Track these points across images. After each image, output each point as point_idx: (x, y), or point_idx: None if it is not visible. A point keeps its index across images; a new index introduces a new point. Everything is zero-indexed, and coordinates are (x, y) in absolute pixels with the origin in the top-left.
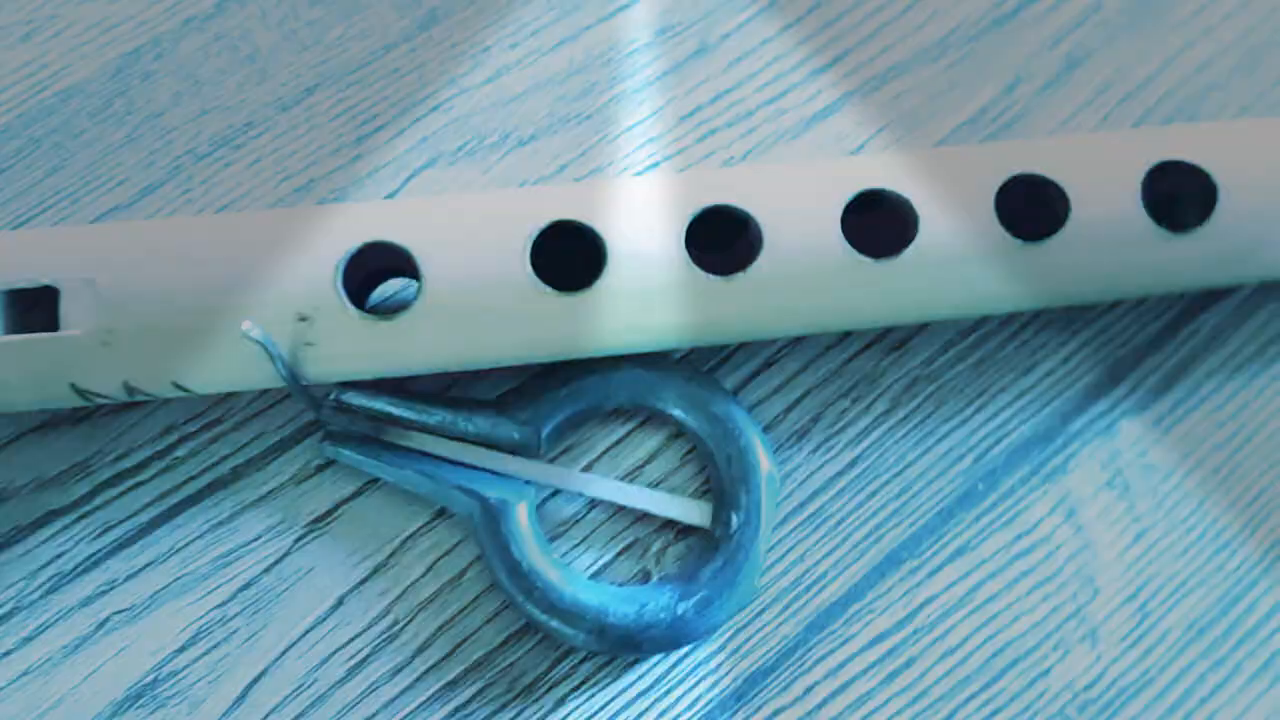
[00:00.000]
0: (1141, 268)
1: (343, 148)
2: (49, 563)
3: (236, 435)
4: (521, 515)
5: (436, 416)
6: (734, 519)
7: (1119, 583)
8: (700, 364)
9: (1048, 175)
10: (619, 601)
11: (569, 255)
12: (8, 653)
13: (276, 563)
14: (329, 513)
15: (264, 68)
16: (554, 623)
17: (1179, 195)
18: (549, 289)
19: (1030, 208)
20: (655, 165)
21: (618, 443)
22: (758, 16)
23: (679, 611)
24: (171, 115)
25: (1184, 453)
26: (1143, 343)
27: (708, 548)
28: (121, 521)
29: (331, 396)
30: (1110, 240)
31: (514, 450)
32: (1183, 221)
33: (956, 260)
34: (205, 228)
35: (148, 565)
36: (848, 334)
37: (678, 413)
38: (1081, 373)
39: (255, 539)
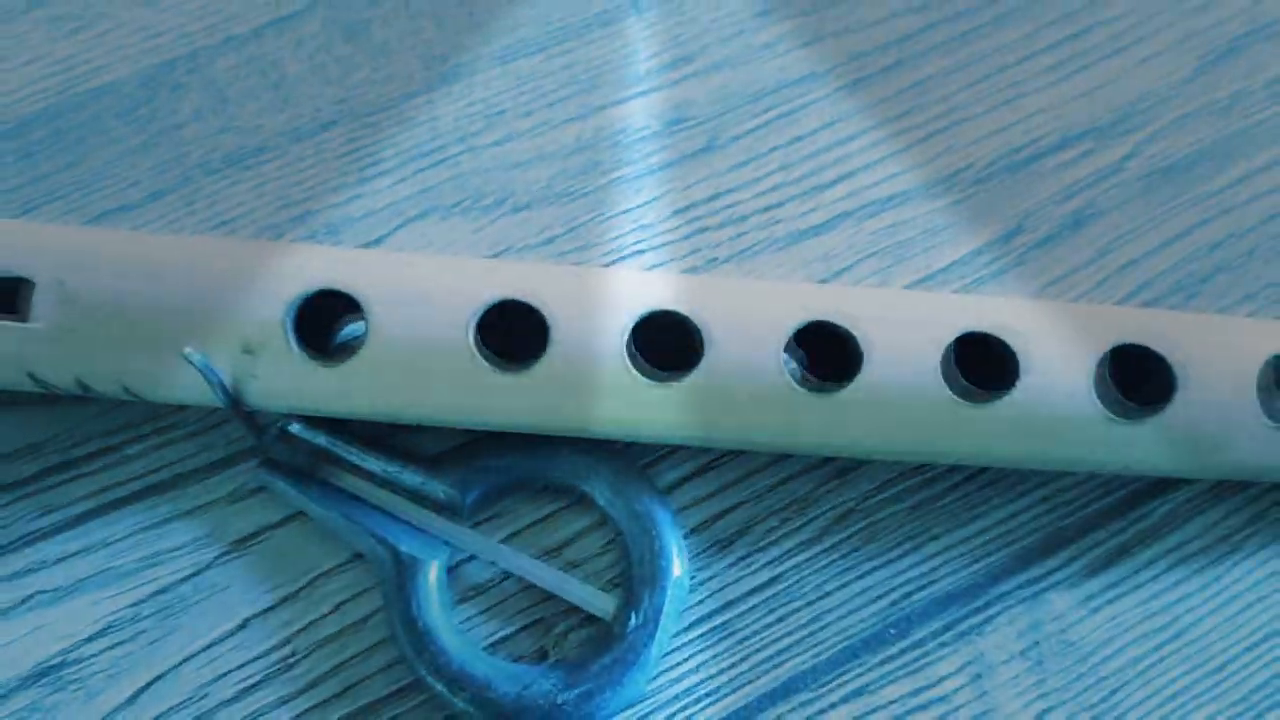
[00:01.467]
0: (1083, 445)
1: (344, 186)
2: None
3: (185, 445)
4: (431, 574)
5: (370, 463)
6: (633, 618)
7: None
8: (639, 456)
9: (1003, 337)
10: (504, 678)
11: (529, 332)
12: None
13: (195, 574)
14: (253, 535)
15: (287, 96)
16: (438, 685)
17: (1146, 381)
18: (488, 363)
19: (985, 366)
20: (640, 254)
21: (544, 519)
22: (771, 124)
23: (559, 700)
24: (191, 129)
25: (1108, 638)
26: (1088, 517)
27: (604, 641)
28: (62, 507)
29: (276, 425)
30: (1055, 413)
31: (439, 509)
32: (1142, 406)
33: (898, 406)
34: (178, 248)
35: (78, 553)
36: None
37: (603, 501)
38: (1019, 536)
39: (180, 548)
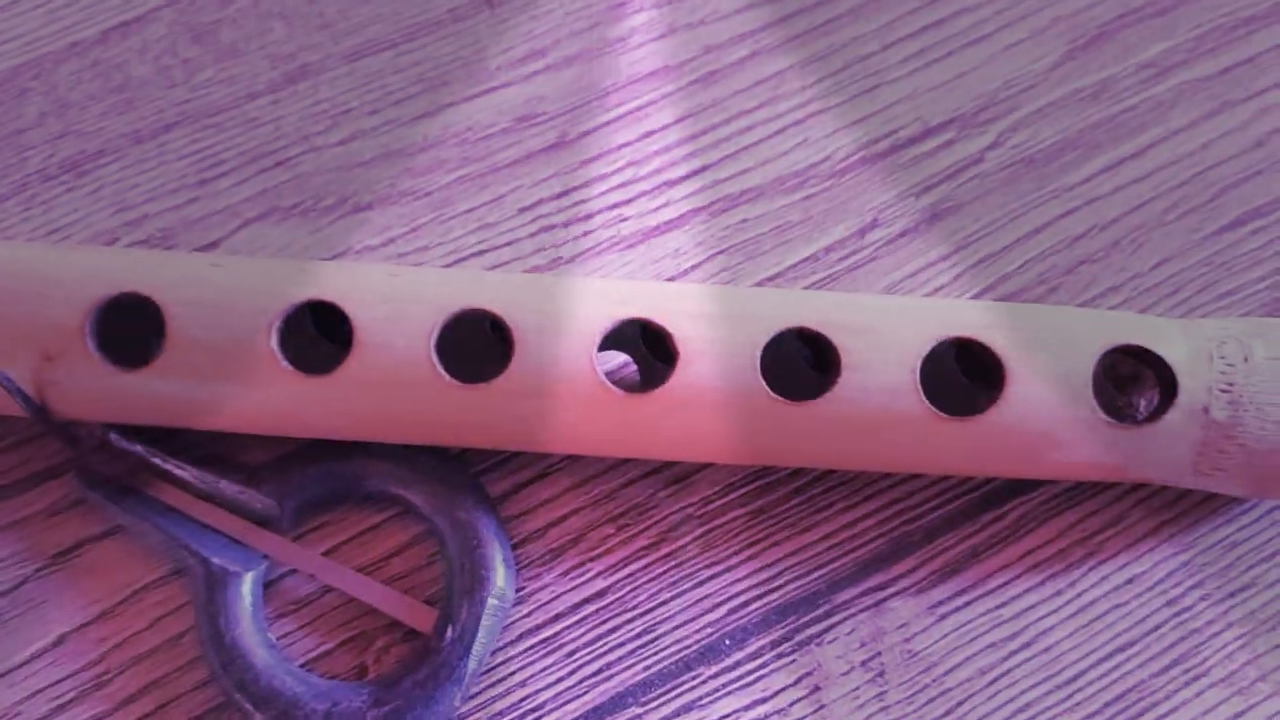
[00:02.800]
0: (910, 445)
1: (183, 188)
2: None
3: (4, 457)
4: (243, 587)
5: (188, 473)
6: (449, 631)
7: None
8: (470, 463)
9: (825, 333)
10: (312, 695)
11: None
12: None
13: (13, 589)
14: (72, 549)
15: (131, 99)
16: (245, 703)
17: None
18: (290, 366)
19: (816, 365)
20: (483, 254)
21: (369, 530)
22: (622, 120)
23: (368, 717)
24: (32, 134)
25: (953, 646)
26: (937, 522)
27: (421, 656)
28: None
29: (95, 435)
30: (877, 412)
31: (259, 521)
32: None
33: (717, 406)
34: None
35: None
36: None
37: (426, 510)
38: (863, 541)
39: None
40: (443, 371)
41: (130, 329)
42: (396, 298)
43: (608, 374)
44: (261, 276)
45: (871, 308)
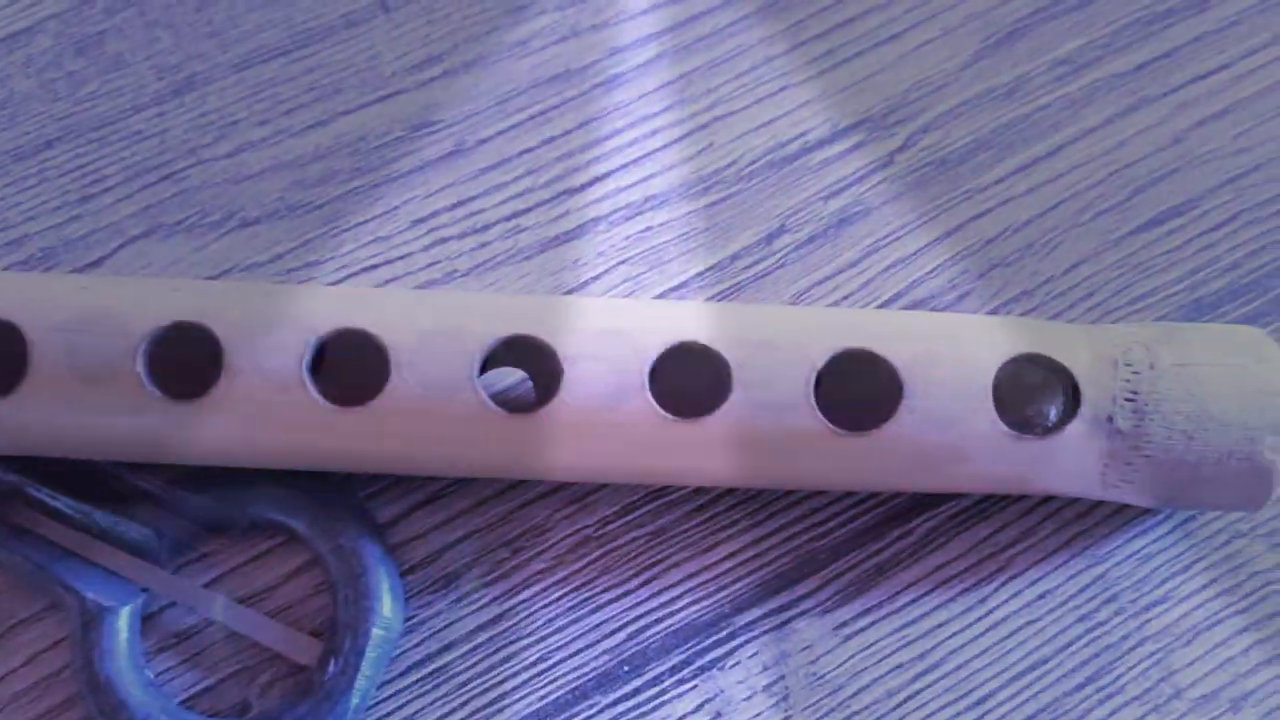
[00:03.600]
0: (808, 461)
1: (65, 205)
2: None
3: None
4: (119, 622)
5: (61, 503)
6: (332, 664)
7: None
8: (358, 487)
9: (714, 346)
10: None
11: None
12: None
13: None
14: None
15: (13, 114)
16: None
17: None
18: (155, 390)
19: (705, 381)
20: (375, 269)
21: (255, 559)
22: (522, 125)
23: None
24: None
25: (860, 668)
26: (843, 539)
27: (304, 690)
28: None
29: None
30: (773, 428)
31: (136, 552)
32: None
33: (602, 425)
34: None
35: None
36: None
37: (307, 538)
38: (767, 560)
39: None
40: (316, 394)
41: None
42: (268, 317)
43: (501, 392)
44: (131, 298)
45: (768, 320)
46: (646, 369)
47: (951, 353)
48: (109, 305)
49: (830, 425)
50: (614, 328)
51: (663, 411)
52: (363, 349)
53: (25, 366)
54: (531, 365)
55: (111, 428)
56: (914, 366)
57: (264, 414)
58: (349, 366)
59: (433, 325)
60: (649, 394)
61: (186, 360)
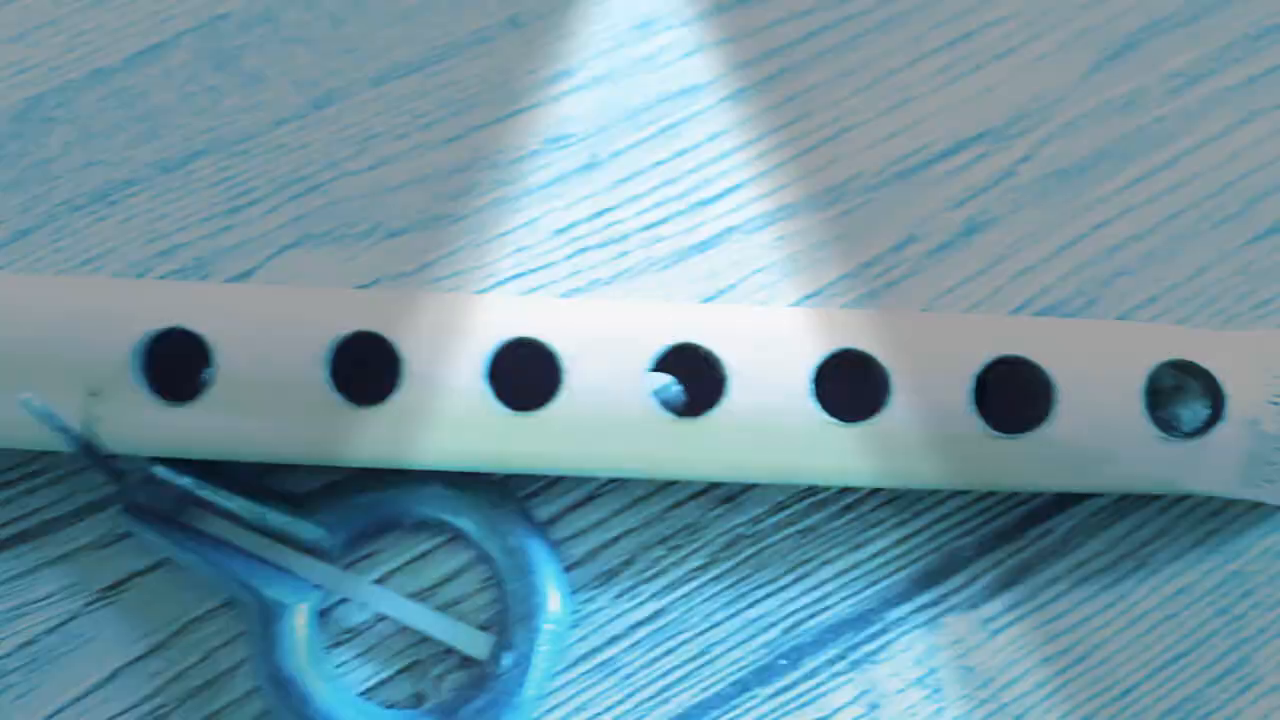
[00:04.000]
0: (964, 463)
1: (214, 216)
2: None
3: (51, 490)
4: (299, 619)
5: (236, 504)
6: (506, 658)
7: None
8: (517, 488)
9: (874, 354)
10: None
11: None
12: None
13: (62, 624)
14: (121, 583)
15: (155, 127)
16: None
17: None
18: (341, 398)
19: (865, 384)
20: (519, 277)
21: (419, 558)
22: (653, 139)
23: None
24: (59, 164)
25: (1009, 661)
26: (986, 537)
27: (478, 683)
28: None
29: (139, 469)
30: (929, 434)
31: (309, 551)
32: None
33: (767, 429)
34: (19, 287)
35: None
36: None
37: (476, 537)
38: (914, 558)
39: (47, 597)
40: (494, 399)
41: (178, 358)
42: (444, 326)
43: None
44: (308, 306)
45: (917, 327)
46: (810, 375)
47: (1103, 358)
48: (291, 313)
49: (989, 428)
50: (774, 335)
51: (827, 415)
52: (529, 355)
53: (205, 371)
54: (682, 369)
55: (293, 432)
56: (1067, 371)
57: (442, 419)
58: (515, 373)
59: (601, 333)
60: (814, 399)
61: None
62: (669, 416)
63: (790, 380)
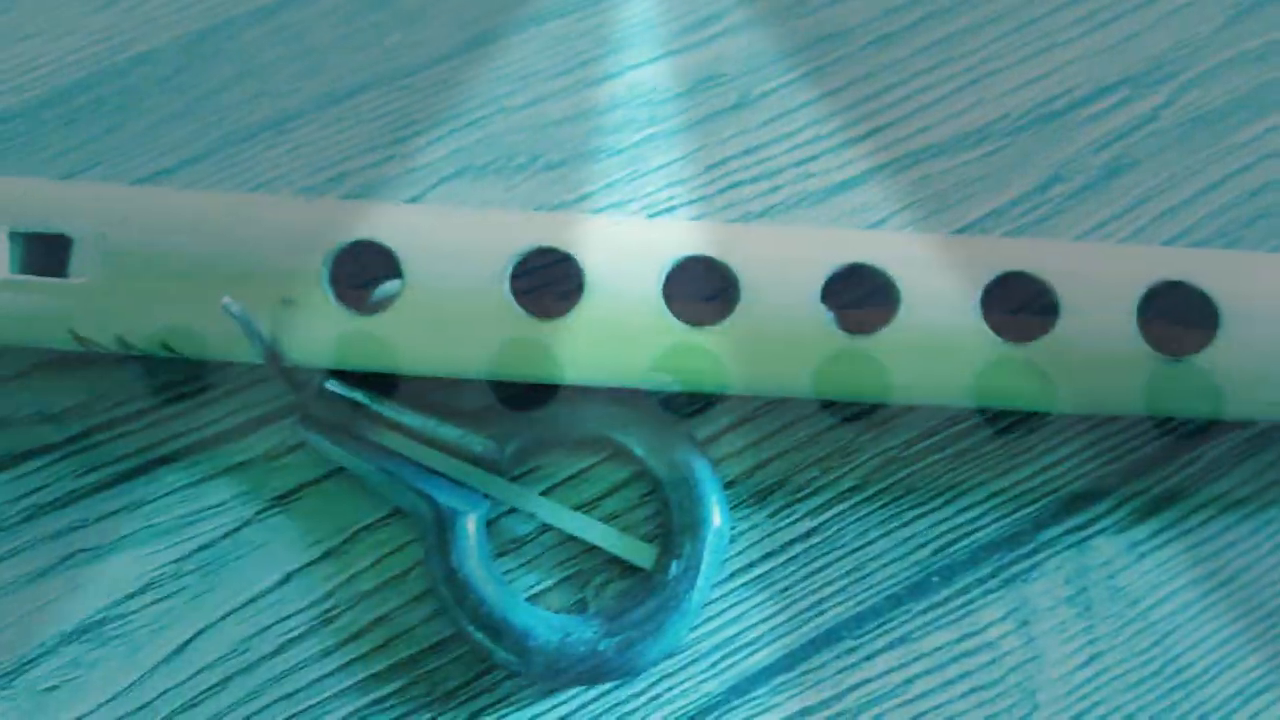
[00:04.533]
0: (1127, 386)
1: (378, 147)
2: (30, 493)
3: (225, 403)
4: (470, 526)
5: (409, 418)
6: (674, 566)
7: (1062, 703)
8: (676, 407)
9: (1043, 277)
10: (545, 627)
11: (565, 287)
12: None
13: (235, 530)
14: (293, 492)
15: (319, 63)
16: (479, 635)
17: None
18: (524, 311)
19: (1030, 308)
20: (674, 209)
21: (581, 473)
22: (802, 80)
23: (600, 647)
24: (227, 95)
25: (1156, 583)
26: (1135, 463)
27: (644, 590)
28: (103, 466)
29: (314, 382)
30: (1098, 355)
31: (478, 463)
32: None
33: (938, 348)
34: (217, 203)
35: (118, 511)
36: (832, 402)
37: (640, 452)
38: (1064, 482)
39: (220, 504)
40: (670, 315)
41: (354, 284)
42: (622, 245)
43: None
44: (491, 225)
45: (1082, 253)
46: (978, 296)
47: (1264, 286)
48: (475, 232)
49: (1154, 351)
50: (946, 260)
51: (998, 338)
52: (702, 274)
53: (382, 290)
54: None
55: (476, 346)
56: (1232, 297)
57: (621, 333)
58: (689, 291)
59: (776, 253)
60: (983, 319)
61: None
62: (842, 335)
63: (959, 300)
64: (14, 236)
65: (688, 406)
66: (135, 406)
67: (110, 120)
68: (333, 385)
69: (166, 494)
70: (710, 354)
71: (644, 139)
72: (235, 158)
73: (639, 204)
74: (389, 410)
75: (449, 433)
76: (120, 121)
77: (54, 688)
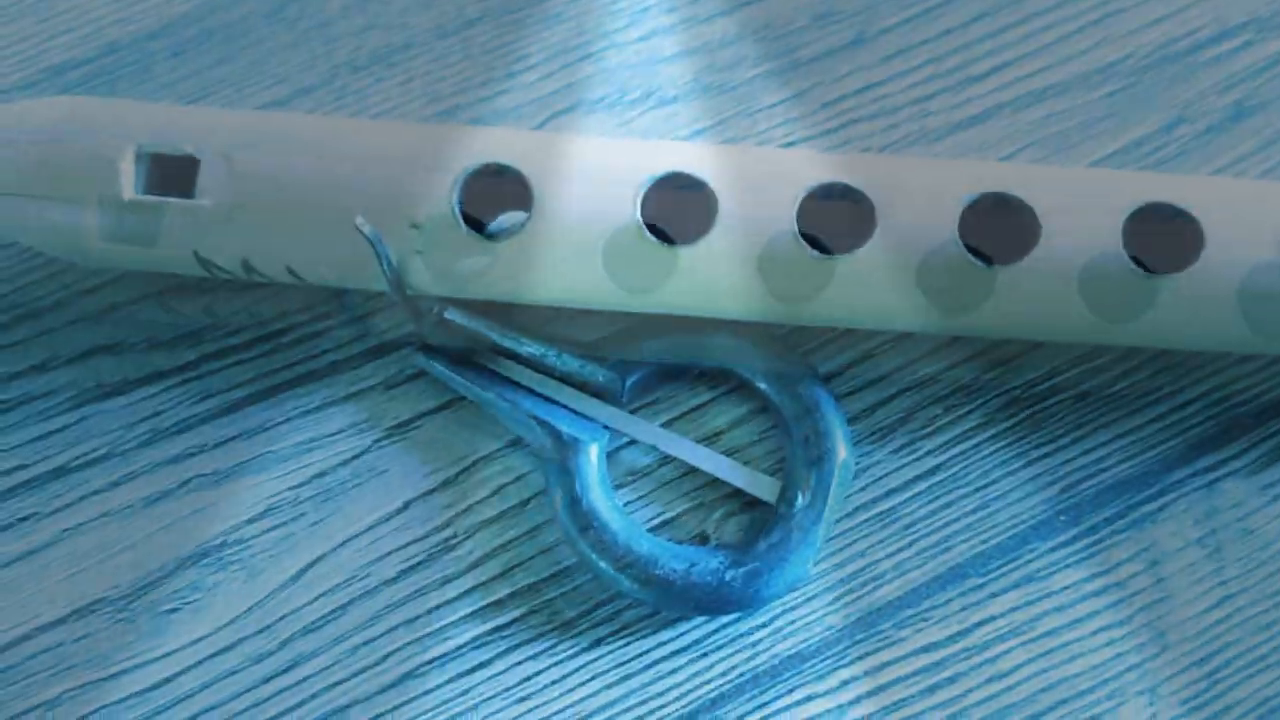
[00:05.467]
0: (1273, 323)
1: (491, 80)
2: (148, 418)
3: (341, 332)
4: (591, 456)
5: (529, 348)
6: (799, 498)
7: (1191, 644)
8: (798, 343)
9: (1187, 209)
10: (670, 556)
11: (693, 215)
12: (95, 492)
13: (353, 458)
14: (410, 421)
15: None
16: (603, 564)
17: None
18: (653, 237)
19: (1161, 242)
20: (790, 145)
21: (701, 406)
22: (920, 17)
23: (727, 578)
24: (338, 26)
25: None
26: (1266, 405)
27: (768, 522)
28: (221, 392)
29: (434, 310)
30: (1239, 287)
31: (597, 394)
32: None
33: (1079, 280)
34: (344, 128)
35: (236, 437)
36: (955, 340)
37: (764, 385)
38: (1193, 424)
39: (338, 432)
40: (805, 245)
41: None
42: (755, 174)
43: None
44: (619, 153)
45: (1228, 189)
46: (1121, 226)
47: None
48: (605, 158)
49: None
50: (1085, 188)
51: (1141, 269)
52: (832, 206)
53: (501, 223)
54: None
55: (607, 272)
56: None
57: (753, 261)
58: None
59: (912, 182)
60: (1125, 251)
61: None
62: (979, 265)
63: (1102, 230)
64: (140, 156)
65: (810, 340)
66: (250, 334)
67: (220, 52)
68: (452, 314)
69: (284, 421)
70: (841, 285)
71: (757, 75)
72: (346, 90)
73: (753, 141)
74: (509, 340)
75: (569, 363)
76: (229, 53)
77: (174, 610)
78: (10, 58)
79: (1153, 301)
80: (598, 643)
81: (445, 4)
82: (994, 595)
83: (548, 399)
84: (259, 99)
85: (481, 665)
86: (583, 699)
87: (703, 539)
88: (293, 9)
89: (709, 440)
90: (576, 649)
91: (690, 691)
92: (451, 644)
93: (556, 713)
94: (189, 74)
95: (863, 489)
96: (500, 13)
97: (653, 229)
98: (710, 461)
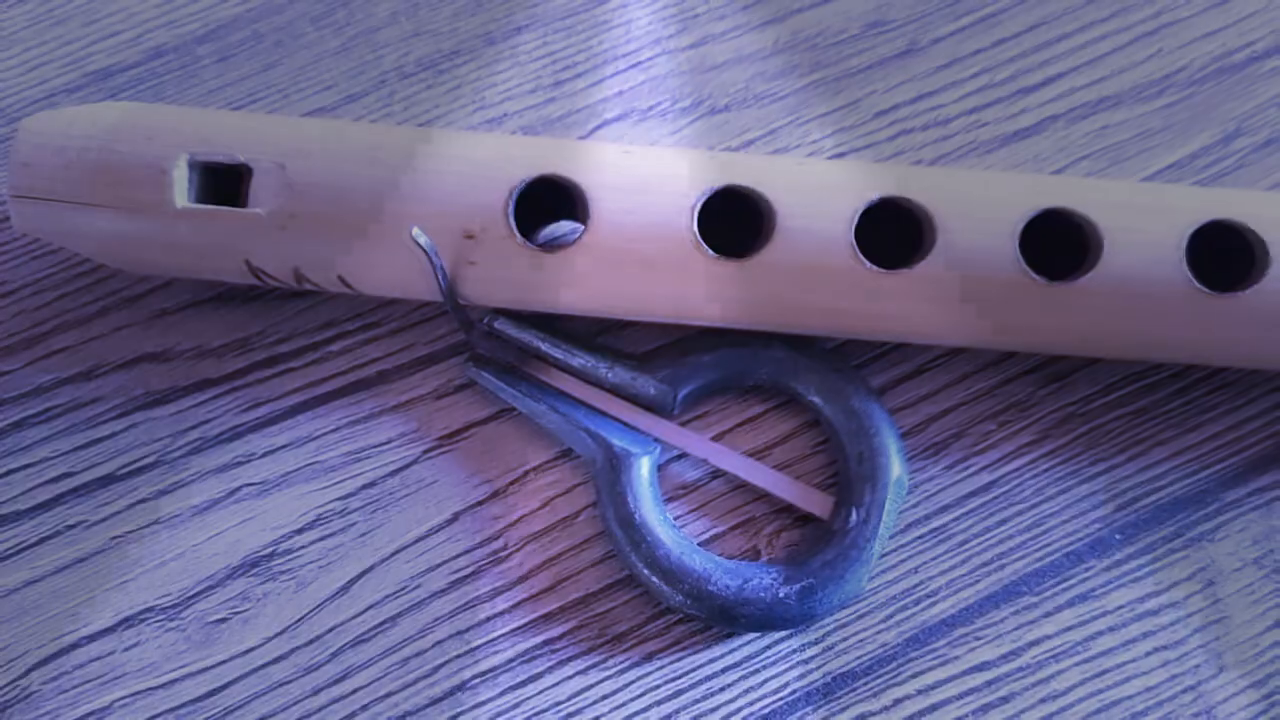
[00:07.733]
0: None
1: (540, 89)
2: (195, 426)
3: (389, 341)
4: (643, 469)
5: (579, 359)
6: (854, 515)
7: (1248, 665)
8: (850, 357)
9: (1251, 225)
10: (722, 572)
11: (742, 226)
12: (142, 501)
13: (402, 469)
14: (460, 431)
15: (477, 2)
16: (655, 579)
17: None
18: (709, 250)
19: (1224, 260)
20: (842, 155)
21: (752, 419)
22: (974, 26)
23: (780, 594)
24: (386, 33)
25: None
26: None
27: (821, 538)
28: (268, 401)
29: (484, 321)
30: None
31: (648, 407)
32: None
33: (1138, 296)
34: (396, 136)
35: (284, 447)
36: (1008, 356)
37: (817, 400)
38: (1250, 443)
39: (387, 442)
40: (862, 258)
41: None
42: (812, 186)
43: None
44: (672, 163)
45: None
46: (1184, 243)
47: None
48: (660, 169)
49: None
50: (1149, 204)
51: (1203, 288)
52: (889, 217)
53: (586, 222)
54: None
55: (660, 284)
56: None
57: (810, 274)
58: (876, 236)
59: (972, 196)
60: (1187, 267)
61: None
62: (1040, 281)
63: (1164, 247)
64: (193, 165)
65: (863, 355)
66: (300, 343)
67: (267, 57)
68: (502, 324)
69: (331, 430)
70: (898, 299)
71: (808, 84)
72: (393, 97)
73: (804, 150)
74: (559, 351)
75: (620, 375)
76: (277, 58)
77: (223, 620)
78: (55, 62)
79: (1213, 319)
80: (649, 658)
81: (493, 11)
82: (1048, 614)
83: (598, 411)
84: (306, 105)
85: (532, 679)
86: (633, 715)
87: (754, 555)
88: (340, 14)
89: (760, 454)
90: (628, 664)
91: (743, 708)
92: (501, 657)
93: None
94: (236, 79)
95: (916, 505)
96: (547, 20)
97: (710, 243)
98: (762, 476)
